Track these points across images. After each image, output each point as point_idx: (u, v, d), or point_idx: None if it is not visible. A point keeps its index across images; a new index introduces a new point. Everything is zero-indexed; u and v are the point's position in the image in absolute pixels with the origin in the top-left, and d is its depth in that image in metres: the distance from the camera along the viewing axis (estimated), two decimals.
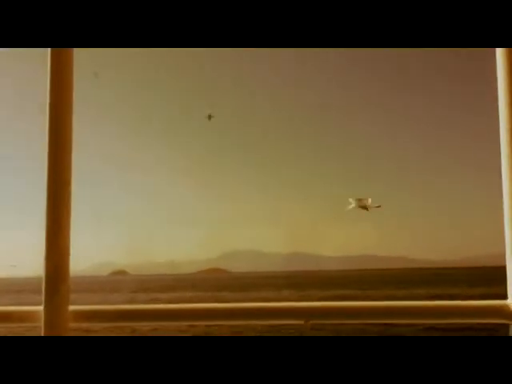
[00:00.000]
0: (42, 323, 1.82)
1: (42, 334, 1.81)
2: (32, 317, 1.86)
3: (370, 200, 3.09)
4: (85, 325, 1.92)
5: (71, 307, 1.86)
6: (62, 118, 1.89)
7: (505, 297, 1.71)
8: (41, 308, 1.83)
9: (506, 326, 1.72)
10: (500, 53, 1.77)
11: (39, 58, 1.96)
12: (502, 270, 1.73)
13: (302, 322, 1.83)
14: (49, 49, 1.89)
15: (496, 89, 1.77)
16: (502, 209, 1.74)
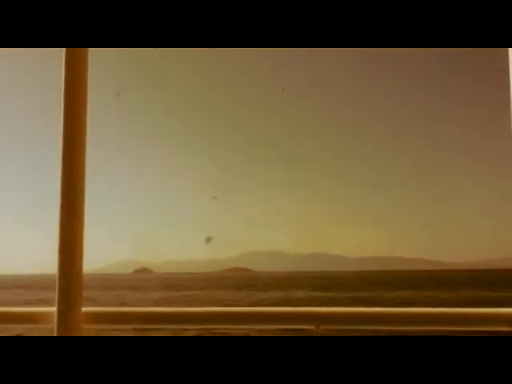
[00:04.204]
0: (55, 324, 1.83)
1: (55, 335, 1.82)
2: (45, 318, 1.88)
3: None
4: (98, 326, 1.94)
5: (84, 309, 1.86)
6: (76, 117, 1.89)
7: None
8: (54, 309, 1.84)
9: None
10: None
11: (54, 58, 1.97)
12: None
13: (313, 328, 1.82)
14: (64, 48, 1.90)
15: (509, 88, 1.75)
16: None
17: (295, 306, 1.99)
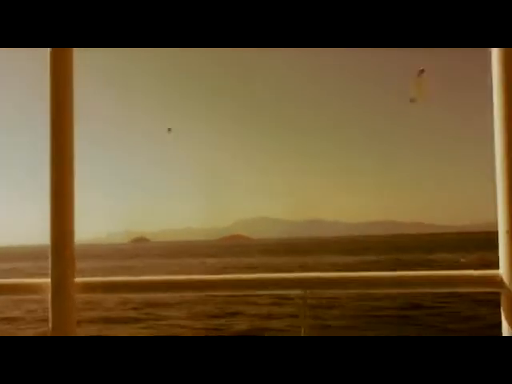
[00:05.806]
0: (49, 295, 1.88)
1: (49, 306, 1.87)
2: (39, 288, 1.92)
3: None
4: (90, 295, 1.99)
5: (77, 279, 1.91)
6: (63, 107, 1.91)
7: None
8: (48, 280, 1.89)
9: (498, 295, 1.74)
10: (495, 53, 1.75)
11: (40, 58, 1.96)
12: None
13: (301, 292, 1.88)
14: (49, 49, 1.90)
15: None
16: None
17: (353, 270, 2.05)
